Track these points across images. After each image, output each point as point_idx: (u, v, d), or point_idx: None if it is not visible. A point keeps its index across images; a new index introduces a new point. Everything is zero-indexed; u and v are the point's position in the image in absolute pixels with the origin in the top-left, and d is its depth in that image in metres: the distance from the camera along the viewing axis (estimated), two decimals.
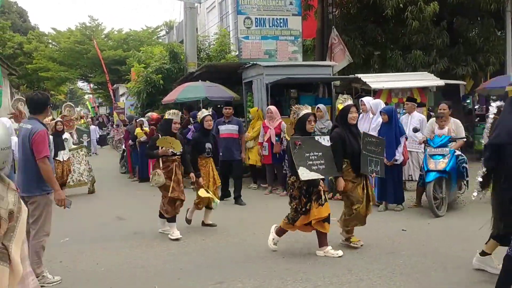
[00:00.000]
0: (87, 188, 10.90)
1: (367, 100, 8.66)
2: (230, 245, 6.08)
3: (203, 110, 7.75)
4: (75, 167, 10.74)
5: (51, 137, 9.44)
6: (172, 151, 6.46)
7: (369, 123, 8.31)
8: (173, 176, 6.43)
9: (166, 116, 6.83)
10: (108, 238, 6.69)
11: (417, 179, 8.64)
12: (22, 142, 4.82)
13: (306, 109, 5.57)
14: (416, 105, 8.92)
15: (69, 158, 10.41)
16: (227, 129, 9.21)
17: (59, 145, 9.93)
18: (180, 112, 7.82)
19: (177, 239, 6.35)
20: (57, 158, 9.79)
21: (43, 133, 4.70)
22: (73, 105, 14.32)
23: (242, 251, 5.78)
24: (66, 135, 10.44)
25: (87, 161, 11.07)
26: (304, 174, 5.24)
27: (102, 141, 26.26)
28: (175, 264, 5.40)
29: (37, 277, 4.72)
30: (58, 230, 6.84)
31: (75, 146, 11.28)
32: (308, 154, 5.36)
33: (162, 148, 6.49)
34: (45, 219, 4.82)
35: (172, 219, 6.52)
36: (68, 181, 10.45)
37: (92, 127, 24.68)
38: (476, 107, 15.87)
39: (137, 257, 5.71)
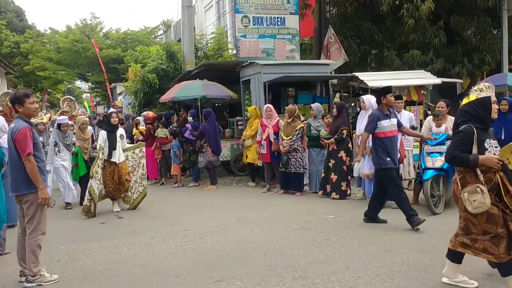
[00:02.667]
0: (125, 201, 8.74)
1: (368, 98, 8.67)
2: (229, 243, 6.08)
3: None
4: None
5: (50, 138, 9.26)
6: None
7: None
8: None
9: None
10: (107, 236, 6.69)
11: (405, 178, 8.68)
12: (8, 142, 4.86)
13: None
14: (404, 103, 8.99)
15: (125, 160, 8.52)
16: None
17: (113, 142, 8.25)
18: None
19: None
20: (112, 160, 8.22)
21: (24, 130, 4.68)
22: (73, 98, 13.32)
23: (241, 249, 5.79)
24: (121, 131, 8.63)
25: (143, 164, 8.83)
26: None
27: None
28: (173, 262, 5.40)
29: (34, 276, 4.75)
30: (55, 229, 6.84)
31: (131, 145, 9.12)
32: None
33: None
34: (40, 218, 4.81)
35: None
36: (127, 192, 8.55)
37: (89, 127, 24.53)
38: None
39: (135, 256, 5.71)
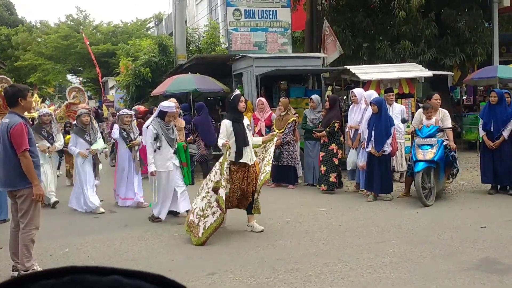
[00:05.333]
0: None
1: (359, 91, 8.71)
2: (221, 236, 6.10)
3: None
4: None
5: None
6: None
7: (361, 114, 8.36)
8: None
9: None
10: (99, 231, 6.68)
11: (398, 170, 8.76)
12: (2, 137, 4.79)
13: None
14: (395, 95, 9.04)
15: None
16: None
17: (242, 136, 6.15)
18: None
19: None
20: (242, 161, 6.11)
21: (20, 126, 4.65)
22: (81, 87, 12.09)
23: (234, 242, 5.81)
24: (246, 120, 6.46)
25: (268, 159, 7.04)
26: None
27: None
28: (166, 256, 5.41)
29: (27, 271, 4.75)
30: (48, 224, 6.83)
31: (261, 138, 7.03)
32: None
33: None
34: (34, 212, 4.80)
35: None
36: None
37: None
38: (464, 97, 16.01)
39: (128, 250, 5.71)
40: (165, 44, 17.23)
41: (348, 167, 8.66)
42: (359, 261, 4.90)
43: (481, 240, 5.44)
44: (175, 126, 7.24)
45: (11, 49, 33.69)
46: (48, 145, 8.27)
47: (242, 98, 6.26)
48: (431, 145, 7.29)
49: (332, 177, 8.67)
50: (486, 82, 12.82)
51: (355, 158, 8.37)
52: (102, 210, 7.85)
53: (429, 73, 10.33)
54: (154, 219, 6.96)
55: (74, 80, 45.31)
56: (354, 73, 10.12)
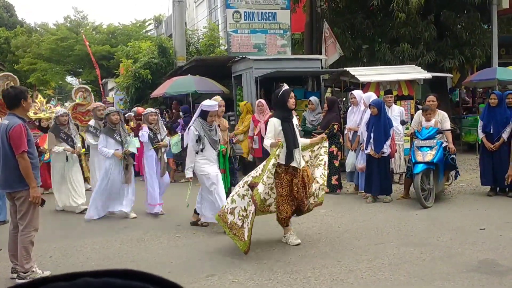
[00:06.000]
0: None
1: (358, 93, 8.72)
2: (221, 238, 6.10)
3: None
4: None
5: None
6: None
7: (360, 116, 8.38)
8: None
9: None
10: (99, 233, 6.68)
11: (396, 171, 8.76)
12: (1, 139, 4.78)
13: None
14: (394, 97, 9.06)
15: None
16: None
17: (292, 136, 5.50)
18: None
19: None
20: (292, 165, 5.44)
21: (19, 127, 4.65)
22: (88, 88, 11.68)
23: (233, 244, 5.80)
24: (295, 119, 5.82)
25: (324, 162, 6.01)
26: None
27: None
28: (165, 257, 5.41)
29: (26, 272, 4.75)
30: (48, 226, 6.83)
31: (309, 140, 6.11)
32: None
33: None
34: (33, 214, 4.80)
35: None
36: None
37: None
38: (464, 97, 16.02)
39: (127, 251, 5.71)
40: (164, 46, 17.26)
41: (347, 169, 8.66)
42: (358, 263, 4.90)
43: (480, 242, 5.44)
44: (219, 126, 6.65)
45: (10, 54, 33.70)
46: (68, 147, 7.92)
47: (292, 94, 5.56)
48: (430, 147, 7.30)
49: (333, 179, 8.69)
50: (485, 84, 12.84)
51: (354, 160, 8.38)
52: (134, 215, 7.45)
53: (428, 75, 10.35)
54: (196, 223, 6.68)
55: (73, 82, 45.32)
56: (354, 75, 10.12)
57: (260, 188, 5.09)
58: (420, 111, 8.06)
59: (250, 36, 12.83)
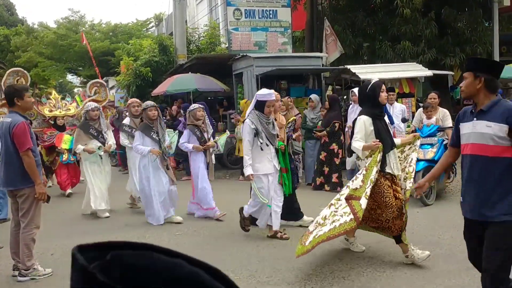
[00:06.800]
0: None
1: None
2: (222, 236, 6.11)
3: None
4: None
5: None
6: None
7: None
8: None
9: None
10: (100, 230, 6.69)
11: None
12: (4, 137, 4.80)
13: None
14: (396, 95, 9.05)
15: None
16: None
17: (387, 136, 4.83)
18: None
19: None
20: (386, 171, 4.76)
21: (22, 125, 4.67)
22: (103, 82, 10.90)
23: (234, 242, 5.81)
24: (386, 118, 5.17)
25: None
26: None
27: None
28: None
29: (27, 270, 4.76)
30: (49, 223, 6.83)
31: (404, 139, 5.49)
32: None
33: None
34: (35, 212, 4.81)
35: None
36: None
37: None
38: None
39: None
40: (165, 44, 17.25)
41: (348, 167, 8.66)
42: (360, 260, 4.91)
43: None
44: (275, 120, 5.98)
45: (10, 54, 33.69)
46: (99, 144, 7.40)
47: (384, 87, 4.83)
48: (432, 145, 7.30)
49: (334, 177, 8.70)
50: None
51: (355, 158, 8.36)
52: (180, 219, 6.88)
53: (429, 72, 10.34)
54: (246, 225, 5.98)
55: (74, 80, 45.33)
56: (355, 73, 10.12)
57: (363, 203, 4.36)
58: (421, 109, 8.06)
59: (250, 34, 12.82)
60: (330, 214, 4.59)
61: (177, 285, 0.62)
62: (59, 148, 9.05)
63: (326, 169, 8.77)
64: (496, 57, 13.08)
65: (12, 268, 4.98)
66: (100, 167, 7.57)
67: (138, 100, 7.97)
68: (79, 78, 41.29)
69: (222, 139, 7.96)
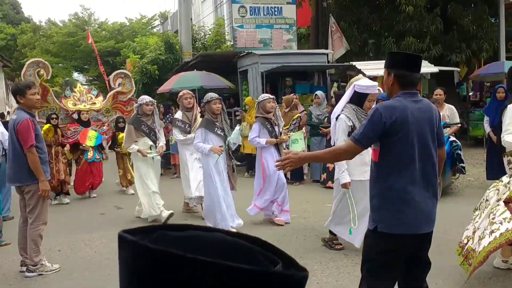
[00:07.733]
0: None
1: None
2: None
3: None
4: None
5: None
6: None
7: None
8: None
9: None
10: (107, 227, 6.72)
11: None
12: (10, 134, 4.88)
13: None
14: None
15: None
16: None
17: None
18: None
19: None
20: None
21: (26, 122, 4.70)
22: (128, 73, 10.27)
23: None
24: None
25: None
26: None
27: None
28: None
29: (35, 265, 4.80)
30: (56, 220, 6.88)
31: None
32: None
33: None
34: (42, 208, 4.85)
35: None
36: None
37: None
38: (471, 93, 15.95)
39: None
40: (171, 42, 17.28)
41: None
42: None
43: None
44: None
45: (16, 52, 33.88)
46: (150, 143, 6.69)
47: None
48: None
49: None
50: (492, 78, 12.76)
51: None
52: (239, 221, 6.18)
53: (435, 69, 10.31)
54: (334, 244, 5.23)
55: (80, 78, 45.51)
56: (360, 69, 10.11)
57: None
58: None
59: (256, 31, 12.83)
60: (488, 224, 3.95)
61: (222, 247, 0.68)
62: (83, 145, 8.47)
63: (331, 166, 8.75)
64: (503, 53, 13.03)
65: (20, 264, 5.03)
66: (151, 167, 6.85)
67: (190, 92, 7.26)
68: (85, 76, 41.43)
69: (295, 135, 7.75)
